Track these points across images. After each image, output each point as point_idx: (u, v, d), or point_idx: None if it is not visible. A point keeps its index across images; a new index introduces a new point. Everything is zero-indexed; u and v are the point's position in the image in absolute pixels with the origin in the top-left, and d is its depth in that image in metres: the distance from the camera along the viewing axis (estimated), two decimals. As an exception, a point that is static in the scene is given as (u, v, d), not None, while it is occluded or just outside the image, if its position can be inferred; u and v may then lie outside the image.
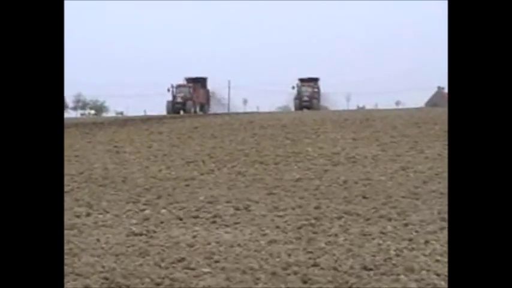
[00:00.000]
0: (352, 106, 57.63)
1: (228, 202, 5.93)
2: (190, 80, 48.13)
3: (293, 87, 47.71)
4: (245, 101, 73.31)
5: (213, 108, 51.33)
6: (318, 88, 49.53)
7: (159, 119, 22.00)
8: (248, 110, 50.89)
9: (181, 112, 43.76)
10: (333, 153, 9.22)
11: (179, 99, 44.40)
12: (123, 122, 19.27)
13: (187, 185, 6.98)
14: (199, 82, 47.87)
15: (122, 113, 57.26)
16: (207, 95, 49.13)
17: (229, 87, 67.31)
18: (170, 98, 45.90)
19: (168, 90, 45.93)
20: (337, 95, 60.86)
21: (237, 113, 29.79)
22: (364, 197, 5.99)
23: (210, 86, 50.53)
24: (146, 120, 20.57)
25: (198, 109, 45.77)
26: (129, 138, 12.61)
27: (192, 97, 45.00)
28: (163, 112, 42.35)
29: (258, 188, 6.68)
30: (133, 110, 53.44)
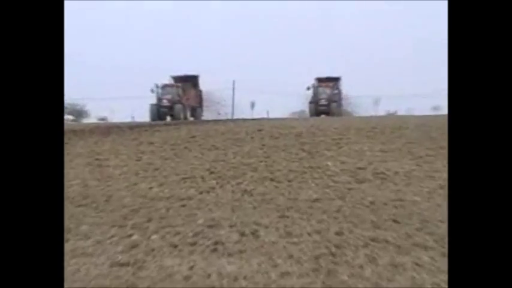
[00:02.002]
0: (381, 111, 57.49)
1: (231, 226, 5.95)
2: (178, 79, 47.22)
3: (308, 88, 47.35)
4: (252, 105, 73.40)
5: (210, 113, 50.79)
6: (339, 89, 49.15)
7: (149, 126, 22.05)
8: (256, 115, 50.80)
9: (168, 118, 43.16)
10: (357, 169, 9.22)
11: (165, 102, 43.60)
12: (107, 129, 19.34)
13: (183, 206, 7.01)
14: (189, 81, 46.86)
15: (105, 119, 57.40)
16: (200, 97, 48.34)
17: (233, 88, 67.39)
18: (154, 100, 45.15)
19: (152, 91, 45.04)
20: (362, 98, 60.65)
21: (243, 119, 29.79)
22: (395, 221, 5.99)
23: (207, 86, 49.81)
24: (134, 127, 20.63)
25: (188, 114, 44.99)
26: (113, 149, 12.65)
27: (182, 99, 44.16)
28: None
29: (268, 210, 6.70)
30: (119, 115, 53.35)
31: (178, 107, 43.20)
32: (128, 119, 43.36)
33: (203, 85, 49.19)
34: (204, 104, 50.89)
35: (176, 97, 43.90)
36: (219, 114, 52.61)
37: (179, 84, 45.44)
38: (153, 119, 41.20)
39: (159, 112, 43.02)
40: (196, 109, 46.80)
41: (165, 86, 45.44)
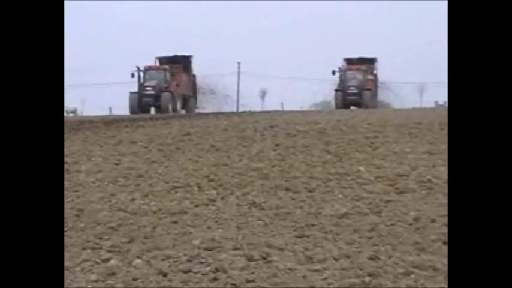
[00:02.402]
0: (428, 102, 57.41)
1: (236, 249, 5.95)
2: (165, 61, 45.73)
3: (333, 72, 46.75)
4: (263, 94, 73.49)
5: (208, 105, 50.07)
6: (374, 74, 48.70)
7: (130, 120, 22.10)
8: (267, 107, 50.90)
9: (152, 110, 42.10)
10: (397, 175, 9.20)
11: (149, 90, 42.24)
12: (77, 125, 19.40)
13: (174, 222, 7.01)
14: (179, 63, 45.51)
15: (74, 111, 57.57)
16: (193, 83, 47.18)
17: (238, 73, 67.49)
18: (135, 88, 43.46)
19: (132, 75, 43.48)
20: (403, 86, 60.55)
21: (251, 112, 29.81)
22: (446, 243, 5.98)
23: (204, 70, 48.77)
24: (112, 122, 20.68)
25: (179, 105, 43.73)
26: (85, 150, 12.68)
27: (170, 86, 42.90)
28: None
29: (283, 228, 6.70)
30: (92, 106, 53.40)
31: (165, 96, 41.97)
32: (105, 112, 43.05)
33: (198, 68, 48.22)
34: (200, 92, 50.14)
35: (163, 83, 42.67)
36: (221, 97, 52.03)
37: (167, 67, 44.09)
38: (133, 112, 40.10)
39: (141, 103, 41.69)
40: (188, 99, 45.49)
41: (148, 70, 44.01)
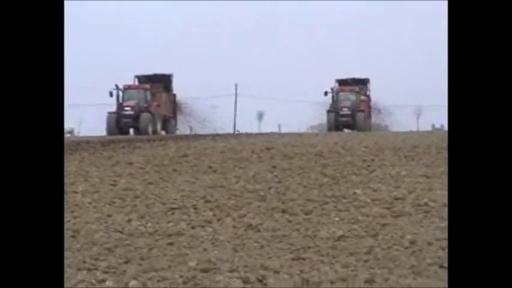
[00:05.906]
0: (425, 125, 57.39)
1: (232, 271, 5.94)
2: (144, 79, 43.71)
3: (326, 93, 45.88)
4: (260, 116, 73.51)
5: (195, 126, 48.86)
6: (368, 96, 48.10)
7: (128, 141, 22.08)
8: (264, 129, 50.83)
9: (131, 132, 40.39)
10: (394, 199, 9.20)
11: (128, 110, 40.23)
12: (74, 145, 19.39)
13: (170, 244, 7.00)
14: (159, 82, 43.66)
15: (71, 132, 57.48)
16: (174, 104, 45.06)
17: (235, 94, 67.53)
18: (114, 107, 41.38)
19: (111, 94, 41.54)
20: (400, 108, 60.53)
21: (248, 135, 29.81)
22: (442, 266, 5.98)
23: (201, 92, 47.48)
24: (109, 143, 20.67)
25: (159, 127, 41.29)
26: (82, 171, 12.66)
27: (150, 106, 40.96)
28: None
29: (279, 250, 6.69)
30: (89, 127, 53.09)
31: (145, 116, 39.96)
32: (102, 132, 42.39)
33: (186, 89, 46.71)
34: (192, 114, 49.21)
35: (143, 103, 40.75)
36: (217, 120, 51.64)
37: (147, 86, 42.15)
38: (110, 133, 38.07)
39: (120, 123, 39.87)
40: (168, 120, 43.79)
41: (128, 88, 42.12)
